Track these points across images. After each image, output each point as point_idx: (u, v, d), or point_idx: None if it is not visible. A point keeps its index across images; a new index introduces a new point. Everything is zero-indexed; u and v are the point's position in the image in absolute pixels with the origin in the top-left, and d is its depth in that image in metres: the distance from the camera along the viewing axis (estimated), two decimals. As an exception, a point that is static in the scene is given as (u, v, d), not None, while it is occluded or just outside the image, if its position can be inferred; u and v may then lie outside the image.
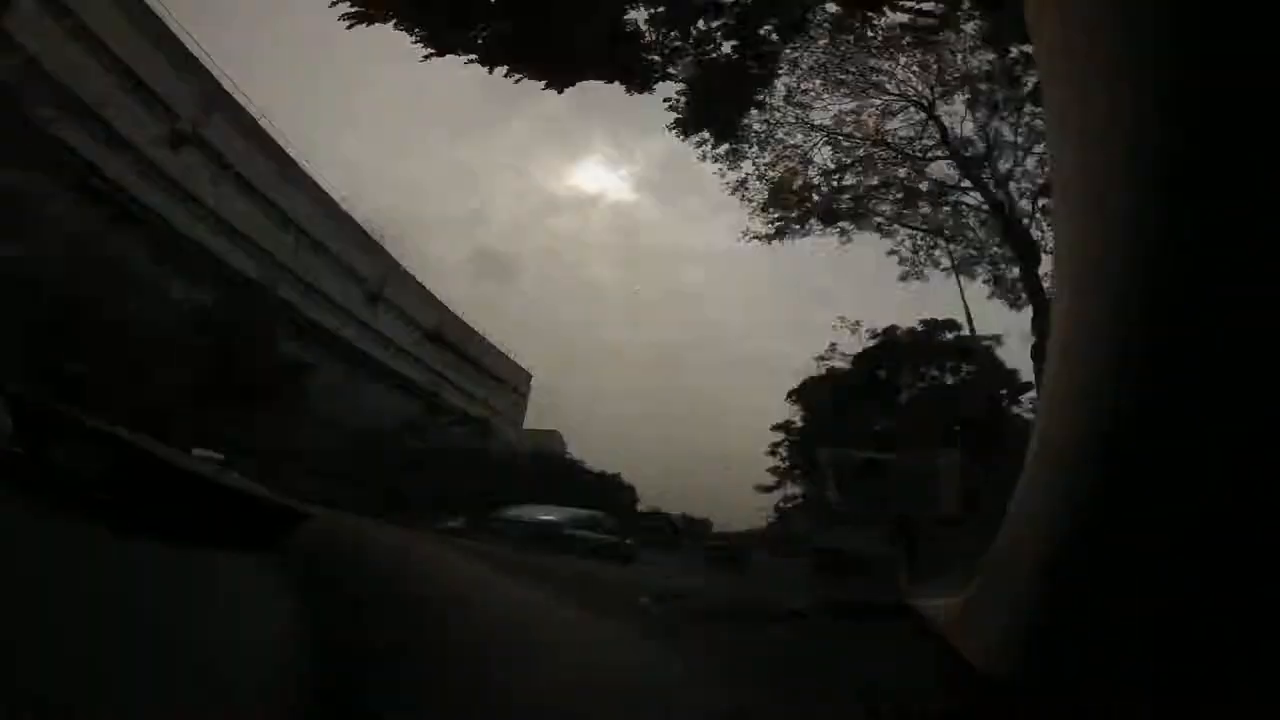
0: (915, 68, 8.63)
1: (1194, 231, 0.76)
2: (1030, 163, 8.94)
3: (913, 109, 9.24)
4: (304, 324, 15.35)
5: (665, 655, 1.16)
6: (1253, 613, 0.82)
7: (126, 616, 0.97)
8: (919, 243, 10.55)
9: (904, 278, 10.62)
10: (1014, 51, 7.26)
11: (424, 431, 16.74)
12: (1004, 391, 13.89)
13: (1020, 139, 8.95)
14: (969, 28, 7.68)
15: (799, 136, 9.61)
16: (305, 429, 11.76)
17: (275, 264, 15.23)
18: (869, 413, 15.67)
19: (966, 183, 9.42)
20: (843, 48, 8.36)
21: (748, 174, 9.77)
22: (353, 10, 6.68)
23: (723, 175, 9.74)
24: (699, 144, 9.30)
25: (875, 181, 9.94)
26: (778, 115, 9.31)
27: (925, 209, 10.41)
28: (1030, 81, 7.28)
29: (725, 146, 9.42)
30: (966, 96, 8.84)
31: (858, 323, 16.79)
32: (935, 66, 8.52)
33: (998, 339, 14.20)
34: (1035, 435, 1.18)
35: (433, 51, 7.04)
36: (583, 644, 1.16)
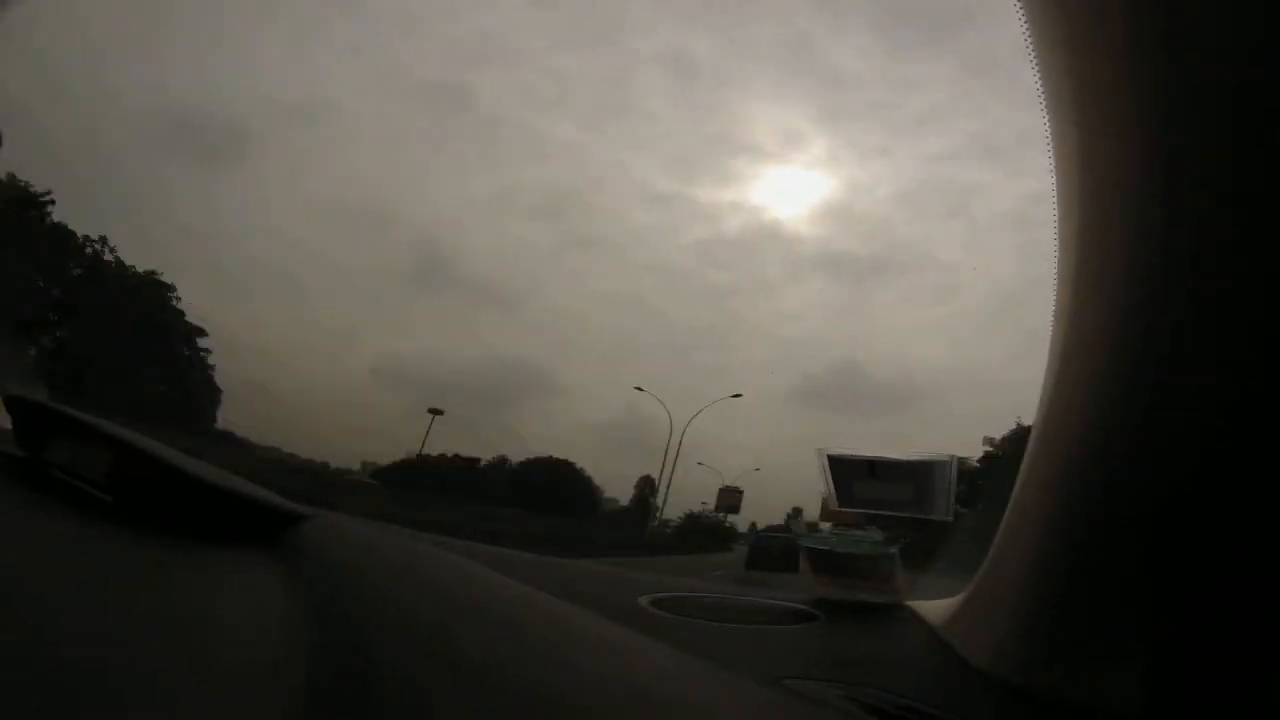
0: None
1: (1196, 229, 0.76)
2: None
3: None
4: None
5: (666, 655, 1.16)
6: (1255, 614, 0.82)
7: (125, 617, 0.97)
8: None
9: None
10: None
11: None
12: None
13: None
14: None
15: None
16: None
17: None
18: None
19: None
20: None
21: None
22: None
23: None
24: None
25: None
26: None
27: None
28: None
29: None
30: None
31: None
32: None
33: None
34: (1034, 433, 1.19)
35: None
36: (584, 643, 1.16)
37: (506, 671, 0.93)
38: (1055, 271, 1.05)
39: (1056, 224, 1.02)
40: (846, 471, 2.40)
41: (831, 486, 2.43)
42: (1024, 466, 1.22)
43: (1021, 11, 0.91)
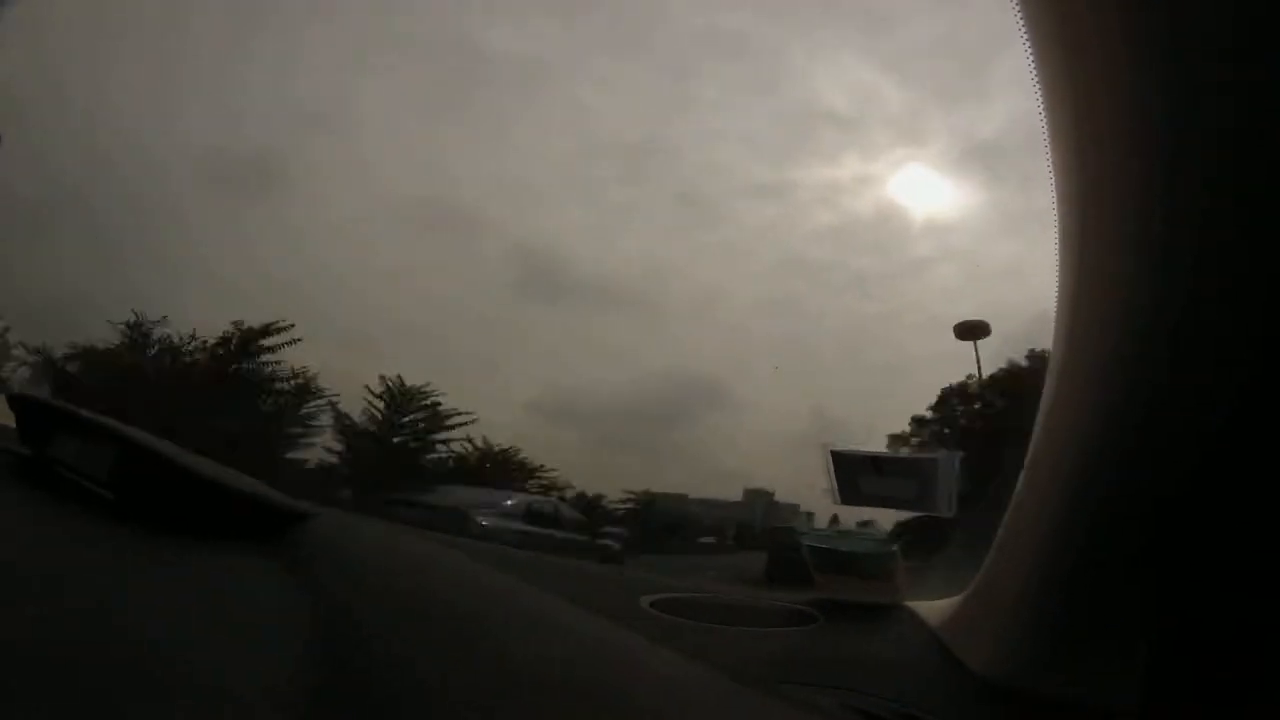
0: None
1: (1197, 228, 0.76)
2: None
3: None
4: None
5: (665, 658, 1.16)
6: (1255, 615, 0.82)
7: (126, 617, 0.98)
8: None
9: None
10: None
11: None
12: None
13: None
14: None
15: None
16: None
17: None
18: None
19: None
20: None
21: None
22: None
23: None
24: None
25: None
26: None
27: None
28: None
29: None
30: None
31: None
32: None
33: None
34: (1035, 433, 1.18)
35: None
36: (583, 645, 1.16)
37: (506, 672, 0.94)
38: (1055, 272, 1.05)
39: (1056, 223, 1.01)
40: (850, 468, 2.39)
41: (835, 483, 2.42)
42: (1025, 466, 1.22)
43: (1019, 10, 0.90)
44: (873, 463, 2.42)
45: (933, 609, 1.84)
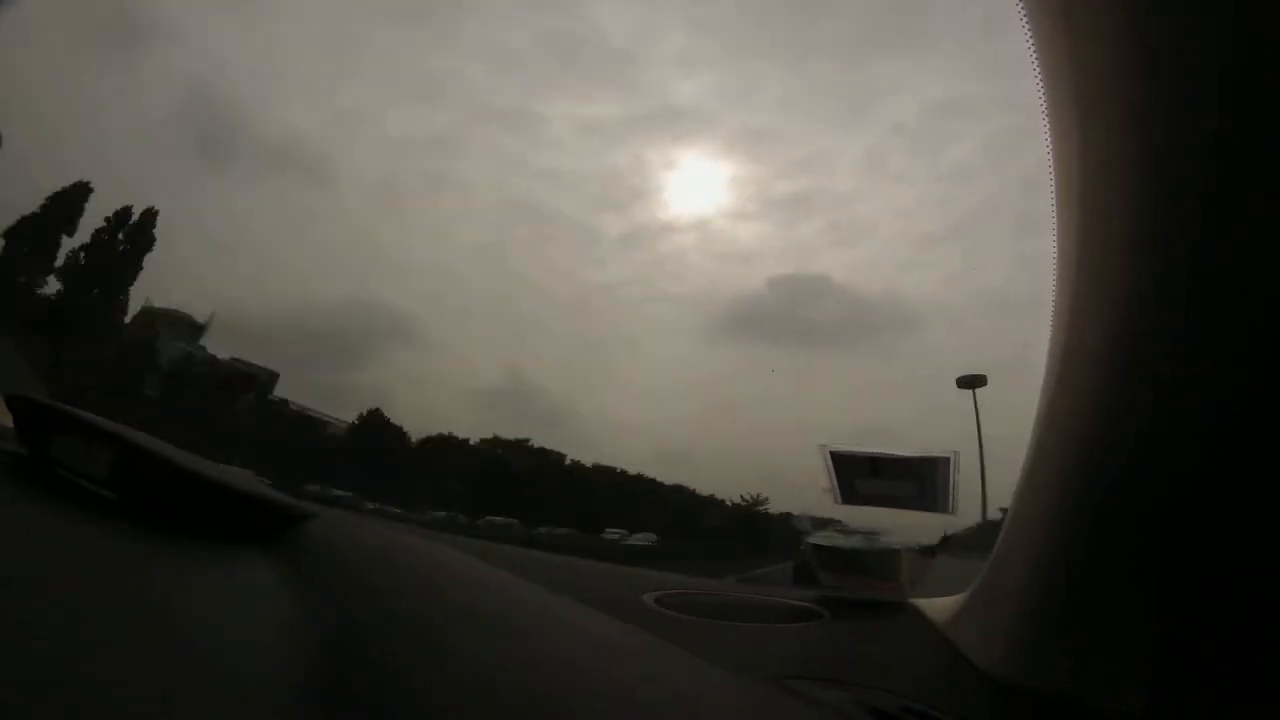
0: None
1: (1197, 229, 0.76)
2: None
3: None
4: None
5: (670, 653, 1.16)
6: (1258, 613, 0.82)
7: (124, 617, 0.98)
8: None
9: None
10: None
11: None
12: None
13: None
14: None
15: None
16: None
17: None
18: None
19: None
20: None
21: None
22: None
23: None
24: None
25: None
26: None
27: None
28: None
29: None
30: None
31: None
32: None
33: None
34: (1036, 432, 1.19)
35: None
36: (588, 641, 1.17)
37: (510, 669, 0.94)
38: (1054, 271, 1.05)
39: (1055, 223, 1.02)
40: (849, 468, 2.40)
41: (835, 483, 2.43)
42: (1026, 466, 1.22)
43: (1024, 14, 0.91)
44: (871, 462, 2.43)
45: (938, 606, 1.85)
